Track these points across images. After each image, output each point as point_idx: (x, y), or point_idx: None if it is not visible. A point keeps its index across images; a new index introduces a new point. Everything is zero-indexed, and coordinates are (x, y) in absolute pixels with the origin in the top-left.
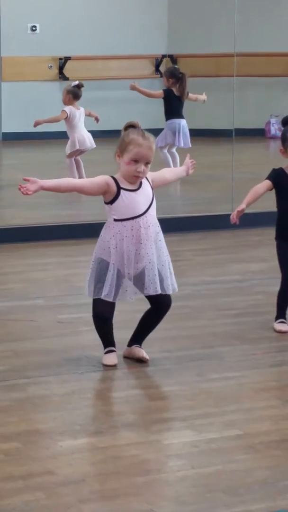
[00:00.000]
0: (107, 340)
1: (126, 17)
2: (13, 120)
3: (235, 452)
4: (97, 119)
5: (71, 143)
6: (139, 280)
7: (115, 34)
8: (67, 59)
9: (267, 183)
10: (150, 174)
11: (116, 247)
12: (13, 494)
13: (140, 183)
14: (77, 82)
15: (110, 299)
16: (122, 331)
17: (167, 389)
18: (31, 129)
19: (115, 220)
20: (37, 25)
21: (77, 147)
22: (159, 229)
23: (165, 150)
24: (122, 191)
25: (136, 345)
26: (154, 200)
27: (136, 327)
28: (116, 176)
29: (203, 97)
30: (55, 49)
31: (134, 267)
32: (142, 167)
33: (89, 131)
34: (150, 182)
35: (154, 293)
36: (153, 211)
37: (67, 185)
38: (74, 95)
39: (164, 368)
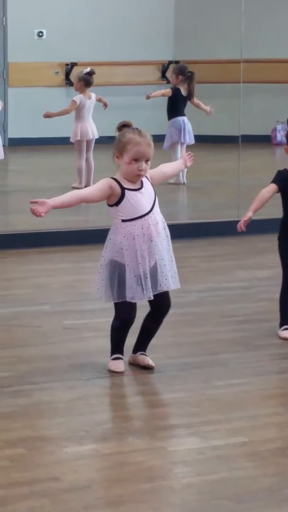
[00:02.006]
0: (118, 347)
1: (132, 23)
2: (19, 126)
3: (240, 459)
4: (106, 105)
5: (73, 133)
6: (152, 278)
7: (122, 40)
8: (73, 65)
9: (273, 187)
10: (148, 172)
11: (129, 247)
12: (18, 500)
13: (141, 182)
14: (88, 69)
15: (135, 300)
16: (128, 337)
17: (172, 396)
18: (37, 134)
19: (123, 221)
20: (44, 31)
21: (79, 137)
22: (165, 225)
23: (178, 154)
24: (127, 192)
25: (141, 352)
26: (157, 198)
27: (138, 333)
28: (116, 177)
29: (207, 108)
30: (62, 55)
31: (148, 265)
32: (143, 165)
33: (96, 139)
34: (150, 179)
35: (167, 289)
36: (157, 208)
37: (73, 198)
38: (86, 82)
39: (169, 375)
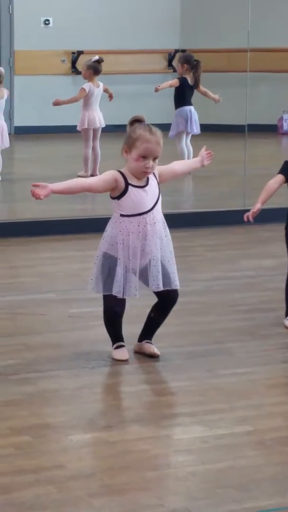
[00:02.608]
0: (117, 336)
1: (139, 11)
2: (25, 114)
3: (245, 448)
4: (111, 96)
5: (81, 121)
6: (143, 276)
7: (128, 29)
8: (80, 53)
9: (280, 177)
10: (157, 168)
11: (123, 243)
12: (23, 487)
13: (147, 179)
14: (97, 57)
15: (121, 295)
16: (133, 325)
17: (177, 385)
18: (43, 123)
19: (121, 215)
20: (50, 19)
21: (86, 126)
22: (165, 225)
23: (183, 144)
24: (130, 187)
25: (146, 341)
26: (160, 196)
27: (144, 322)
28: (123, 170)
29: (215, 96)
30: (68, 43)
31: (139, 263)
32: (150, 162)
33: (103, 127)
34: (157, 177)
35: (156, 290)
36: (159, 207)
37: (76, 186)
38: (94, 70)
39: (174, 364)
